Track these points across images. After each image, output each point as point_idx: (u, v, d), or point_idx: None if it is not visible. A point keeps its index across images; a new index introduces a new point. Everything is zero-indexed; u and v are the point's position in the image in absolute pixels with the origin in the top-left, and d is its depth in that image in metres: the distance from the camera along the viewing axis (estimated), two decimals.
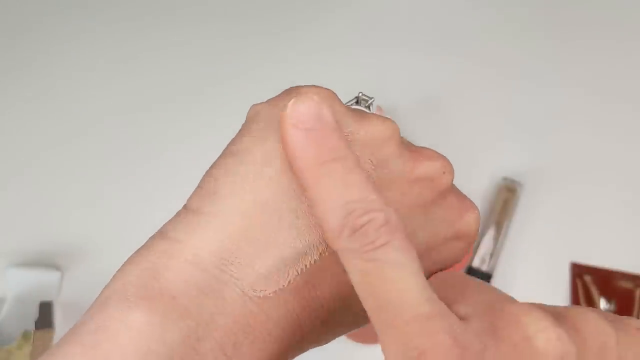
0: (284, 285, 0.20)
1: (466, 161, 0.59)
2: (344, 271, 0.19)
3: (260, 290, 0.19)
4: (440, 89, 0.62)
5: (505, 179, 0.58)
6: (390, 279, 0.17)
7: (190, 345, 0.18)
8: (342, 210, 0.17)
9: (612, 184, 0.59)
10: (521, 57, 0.63)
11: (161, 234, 0.20)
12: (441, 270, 0.23)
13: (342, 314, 0.21)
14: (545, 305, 0.18)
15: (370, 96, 0.25)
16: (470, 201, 0.24)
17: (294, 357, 0.21)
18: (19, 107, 0.60)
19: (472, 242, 0.23)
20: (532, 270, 0.56)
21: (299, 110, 0.19)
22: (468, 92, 0.62)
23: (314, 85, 0.22)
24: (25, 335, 0.47)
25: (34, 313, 0.50)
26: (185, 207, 0.21)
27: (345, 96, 0.67)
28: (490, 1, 0.65)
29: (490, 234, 0.56)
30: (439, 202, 0.22)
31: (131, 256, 0.20)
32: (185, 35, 0.63)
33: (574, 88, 0.62)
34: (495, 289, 0.18)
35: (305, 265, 0.20)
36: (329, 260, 0.20)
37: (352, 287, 0.18)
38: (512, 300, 0.18)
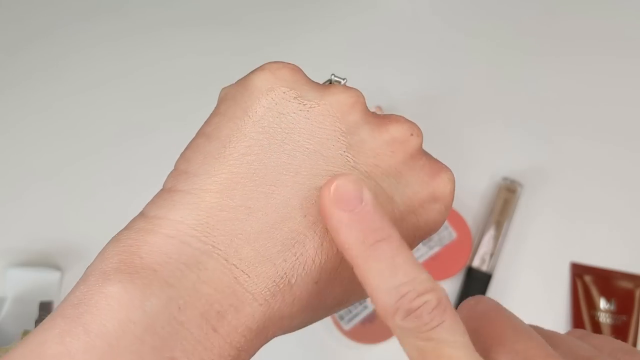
0: (265, 250, 0.20)
1: (466, 161, 0.59)
2: (327, 229, 0.20)
3: (245, 259, 0.20)
4: (440, 89, 0.62)
5: (505, 179, 0.58)
6: (447, 357, 0.17)
7: (171, 314, 0.18)
8: (395, 293, 0.18)
9: (613, 184, 0.59)
10: (522, 57, 0.63)
11: (140, 214, 0.21)
12: (424, 235, 0.24)
13: (334, 275, 0.21)
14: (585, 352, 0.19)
15: (343, 77, 0.26)
16: (443, 164, 0.24)
17: (286, 325, 0.21)
18: (18, 107, 0.60)
19: (450, 204, 0.24)
20: (532, 270, 0.56)
21: (342, 192, 0.19)
22: (468, 92, 0.62)
23: (278, 61, 0.23)
24: (25, 335, 0.47)
25: (34, 313, 0.50)
26: (162, 189, 0.22)
27: None
28: (490, 2, 0.65)
29: (490, 234, 0.56)
30: (410, 164, 0.23)
31: (113, 237, 0.20)
32: (184, 41, 0.63)
33: (575, 88, 0.62)
34: (533, 334, 0.19)
35: (290, 226, 0.20)
36: (314, 219, 0.21)
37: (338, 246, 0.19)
38: (547, 351, 0.18)
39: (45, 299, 0.52)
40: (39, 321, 0.49)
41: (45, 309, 0.52)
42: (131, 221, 0.21)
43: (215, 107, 0.23)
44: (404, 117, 0.23)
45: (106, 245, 0.20)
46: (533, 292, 0.56)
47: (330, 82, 0.26)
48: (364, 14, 0.64)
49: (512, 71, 0.62)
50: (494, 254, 0.55)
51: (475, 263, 0.55)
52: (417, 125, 0.23)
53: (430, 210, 0.23)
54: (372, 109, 0.57)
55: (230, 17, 0.63)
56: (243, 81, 0.23)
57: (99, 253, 0.20)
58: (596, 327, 0.54)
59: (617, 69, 0.62)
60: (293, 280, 0.20)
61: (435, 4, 0.65)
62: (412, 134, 0.23)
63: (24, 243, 0.56)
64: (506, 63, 0.62)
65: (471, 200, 0.58)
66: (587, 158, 0.59)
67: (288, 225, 0.20)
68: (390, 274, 0.18)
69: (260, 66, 0.23)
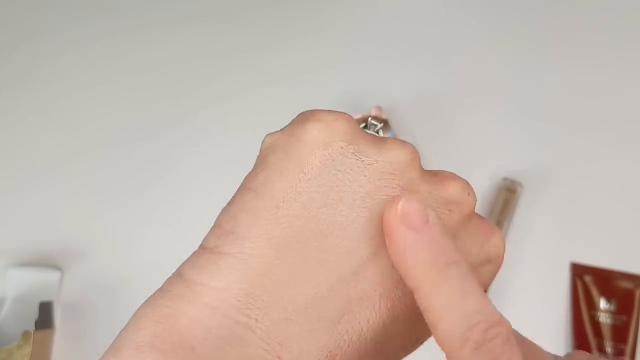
0: (311, 328, 0.18)
1: (466, 161, 0.59)
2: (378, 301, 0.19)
3: (290, 337, 0.18)
4: (440, 89, 0.62)
5: (505, 179, 0.58)
6: None
7: None
8: (465, 321, 0.17)
9: (613, 184, 0.59)
10: (522, 57, 0.63)
11: (178, 275, 0.19)
12: None
13: (384, 345, 0.20)
14: None
15: (379, 121, 0.25)
16: (493, 224, 0.23)
17: None
18: (18, 107, 0.60)
19: (501, 265, 0.23)
20: (532, 270, 0.56)
21: (410, 211, 0.18)
22: (468, 92, 0.62)
23: (331, 110, 0.21)
24: (25, 335, 0.47)
25: (34, 313, 0.50)
26: (202, 246, 0.20)
27: (345, 94, 0.68)
28: (490, 2, 0.65)
29: None
30: (466, 225, 0.22)
31: (147, 299, 0.19)
32: (187, 42, 0.63)
33: (575, 88, 0.62)
34: None
35: (340, 300, 0.19)
36: (365, 291, 0.19)
37: (393, 314, 0.18)
38: None
39: (45, 299, 0.52)
40: (39, 321, 0.49)
41: (45, 309, 0.52)
42: (167, 282, 0.19)
43: (261, 158, 0.21)
44: (458, 176, 0.22)
45: (139, 309, 0.18)
46: (533, 292, 0.56)
47: (366, 125, 0.25)
48: (363, 13, 0.64)
49: (512, 71, 0.62)
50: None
51: None
52: (469, 183, 0.22)
53: (484, 271, 0.22)
54: (373, 109, 0.57)
55: (229, 15, 0.63)
56: (294, 131, 0.20)
57: (132, 318, 0.18)
58: (596, 327, 0.54)
59: (618, 69, 0.62)
60: (337, 358, 0.19)
61: (435, 4, 0.64)
62: (468, 194, 0.22)
63: (24, 243, 0.56)
64: (506, 63, 0.62)
65: None
66: (587, 158, 0.59)
67: (337, 298, 0.19)
68: (460, 300, 0.17)
69: (312, 114, 0.20)
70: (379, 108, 0.58)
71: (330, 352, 0.19)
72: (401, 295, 0.20)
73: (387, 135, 0.56)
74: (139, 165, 0.58)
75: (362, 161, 0.20)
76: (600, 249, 0.57)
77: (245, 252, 0.18)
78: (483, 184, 0.58)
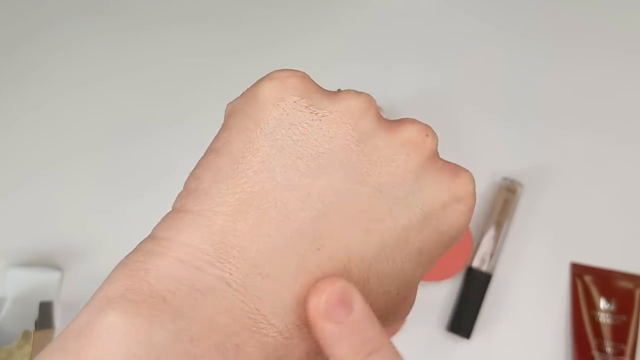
0: (288, 279, 0.19)
1: (466, 161, 0.59)
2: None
3: (265, 288, 0.19)
4: (440, 89, 0.62)
5: (505, 179, 0.58)
6: None
7: (183, 347, 0.17)
8: None
9: (613, 184, 0.59)
10: (522, 57, 0.63)
11: (149, 236, 0.20)
12: (448, 240, 0.23)
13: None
14: None
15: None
16: (460, 165, 0.23)
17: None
18: (18, 107, 0.60)
19: (473, 204, 0.23)
20: (532, 270, 0.56)
21: (333, 302, 0.18)
22: (468, 92, 0.62)
23: (285, 69, 0.22)
24: (25, 335, 0.47)
25: (34, 313, 0.50)
26: (172, 208, 0.21)
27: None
28: (491, 2, 0.65)
29: (490, 234, 0.56)
30: (427, 166, 0.22)
31: (122, 259, 0.19)
32: (185, 41, 0.63)
33: (575, 88, 0.62)
34: None
35: (308, 254, 0.19)
36: (330, 245, 0.20)
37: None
38: None
39: (45, 299, 0.52)
40: (39, 321, 0.49)
41: (45, 309, 0.52)
42: (139, 243, 0.20)
43: (224, 122, 0.22)
44: (416, 119, 0.22)
45: (114, 268, 0.19)
46: (533, 292, 0.56)
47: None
48: (363, 13, 0.64)
49: (512, 71, 0.62)
50: (494, 254, 0.55)
51: (475, 263, 0.55)
52: (430, 126, 0.22)
53: (453, 211, 0.22)
54: None
55: (228, 14, 0.63)
56: (251, 92, 0.22)
57: (107, 277, 0.19)
58: (596, 327, 0.54)
59: (618, 70, 0.62)
60: None
61: (435, 4, 0.64)
62: (427, 135, 0.22)
63: (24, 243, 0.56)
64: (506, 63, 0.62)
65: None
66: (587, 158, 0.59)
67: (306, 255, 0.19)
68: None
69: (268, 75, 0.22)
70: (379, 108, 0.58)
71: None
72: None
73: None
74: (139, 165, 0.58)
75: (315, 114, 0.21)
76: (600, 249, 0.57)
77: (208, 208, 0.19)
78: (483, 184, 0.58)
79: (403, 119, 0.22)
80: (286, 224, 0.19)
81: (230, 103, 0.22)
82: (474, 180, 0.23)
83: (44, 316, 0.51)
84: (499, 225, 0.56)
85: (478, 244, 0.56)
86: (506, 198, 0.57)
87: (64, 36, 0.62)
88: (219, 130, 0.22)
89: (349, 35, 0.63)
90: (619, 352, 0.54)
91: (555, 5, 0.65)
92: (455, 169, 0.23)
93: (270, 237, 0.19)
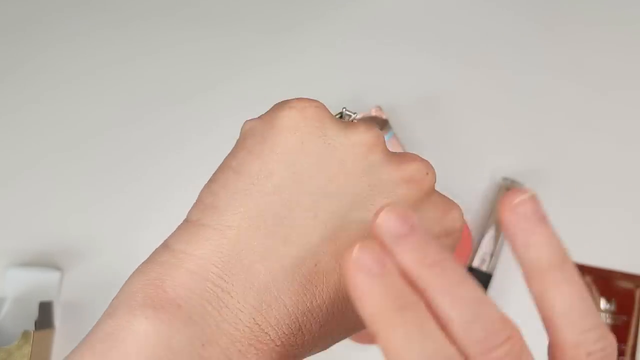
0: (281, 294, 0.21)
1: (466, 161, 0.59)
2: (340, 274, 0.21)
3: (262, 301, 0.20)
4: (440, 89, 0.62)
5: (505, 179, 0.58)
6: None
7: (195, 351, 0.19)
8: None
9: (612, 183, 0.59)
10: (521, 57, 0.63)
11: (164, 245, 0.22)
12: None
13: (341, 317, 0.22)
14: None
15: (353, 112, 0.27)
16: (453, 201, 0.25)
17: None
18: (18, 107, 0.60)
19: (459, 239, 0.25)
20: None
21: (365, 256, 0.18)
22: (468, 92, 0.62)
23: (303, 98, 0.23)
24: (25, 335, 0.47)
25: (34, 313, 0.50)
26: (186, 220, 0.22)
27: (345, 94, 0.67)
28: (490, 3, 0.65)
29: (490, 234, 0.56)
30: (425, 202, 0.24)
31: (137, 268, 0.21)
32: (184, 38, 0.63)
33: (575, 88, 0.62)
34: None
35: (304, 272, 0.21)
36: (326, 265, 0.21)
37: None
38: None
39: (45, 299, 0.52)
40: (39, 321, 0.49)
41: (45, 309, 0.52)
42: (155, 252, 0.21)
43: (240, 141, 0.23)
44: (419, 156, 0.24)
45: (131, 276, 0.21)
46: None
47: (341, 115, 0.27)
48: (364, 13, 0.64)
49: (512, 71, 0.62)
50: (494, 254, 0.55)
51: (475, 263, 0.55)
52: (430, 164, 0.24)
53: (443, 244, 0.24)
54: (373, 109, 0.57)
55: (228, 11, 0.63)
56: (269, 118, 0.23)
57: (125, 284, 0.21)
58: None
59: (618, 70, 0.62)
60: (304, 327, 0.21)
61: (435, 4, 0.64)
62: (427, 173, 0.24)
63: (24, 243, 0.56)
64: (507, 63, 0.62)
65: (471, 200, 0.58)
66: (587, 158, 0.59)
67: (302, 272, 0.21)
68: (418, 342, 0.17)
69: (287, 102, 0.23)
70: (379, 108, 0.58)
71: (297, 318, 0.21)
72: None
73: (387, 134, 0.56)
74: (139, 165, 0.58)
75: (328, 144, 0.22)
76: (600, 249, 0.57)
77: (223, 223, 0.21)
78: (483, 184, 0.58)
79: (407, 154, 0.24)
80: (293, 244, 0.21)
81: (248, 122, 0.24)
82: (462, 216, 0.25)
83: (44, 316, 0.51)
84: (499, 225, 0.56)
85: (478, 244, 0.56)
86: None
87: (54, 31, 0.62)
88: (235, 148, 0.23)
89: (349, 36, 0.63)
90: (619, 352, 0.54)
91: (556, 6, 0.65)
92: (449, 206, 0.25)
93: (277, 255, 0.21)
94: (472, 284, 0.18)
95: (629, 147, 0.60)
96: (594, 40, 0.63)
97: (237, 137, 0.24)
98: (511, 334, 0.18)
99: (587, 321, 0.19)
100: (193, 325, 0.19)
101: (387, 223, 0.18)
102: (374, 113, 0.57)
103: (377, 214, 0.19)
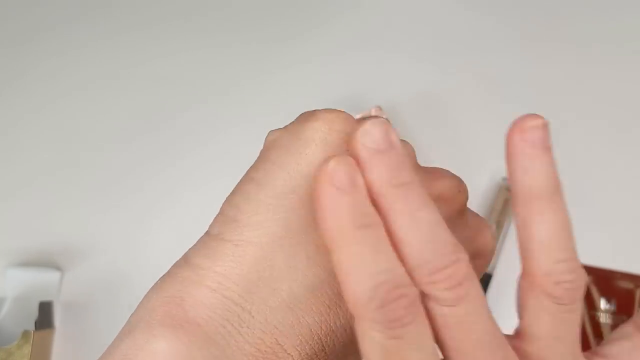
0: (304, 315, 0.20)
1: (466, 161, 0.59)
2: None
3: (285, 322, 0.19)
4: (440, 89, 0.62)
5: (505, 179, 0.58)
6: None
7: None
8: (372, 279, 0.17)
9: (613, 183, 0.59)
10: (522, 57, 0.63)
11: (185, 259, 0.21)
12: None
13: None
14: None
15: (384, 117, 0.25)
16: (485, 219, 0.24)
17: None
18: (19, 107, 0.60)
19: (490, 260, 0.24)
20: None
21: (340, 170, 0.18)
22: (468, 92, 0.62)
23: (330, 109, 0.22)
24: (25, 335, 0.47)
25: (34, 313, 0.50)
26: (207, 233, 0.21)
27: (345, 94, 0.67)
28: (490, 3, 0.65)
29: None
30: (457, 221, 0.23)
31: (156, 283, 0.20)
32: (188, 47, 0.63)
33: (574, 89, 0.62)
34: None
35: (327, 292, 0.20)
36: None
37: None
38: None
39: (45, 299, 0.52)
40: (39, 321, 0.49)
41: (45, 308, 0.52)
42: (175, 267, 0.21)
43: (264, 151, 0.22)
44: (450, 172, 0.23)
45: (148, 292, 0.20)
46: None
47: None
48: (364, 13, 0.64)
49: (512, 71, 0.62)
50: (494, 254, 0.55)
51: None
52: (462, 181, 0.23)
53: (473, 265, 0.23)
54: (373, 109, 0.57)
55: (229, 13, 0.63)
56: (295, 129, 0.22)
57: (143, 300, 0.20)
58: (596, 328, 0.54)
59: (618, 70, 0.62)
60: (327, 347, 0.20)
61: (435, 4, 0.64)
62: (459, 191, 0.23)
63: (24, 243, 0.56)
64: (507, 62, 0.62)
65: (471, 200, 0.58)
66: (586, 158, 0.59)
67: (325, 292, 0.20)
68: (370, 260, 0.17)
69: (313, 114, 0.22)
70: (379, 108, 0.58)
71: (320, 339, 0.20)
72: None
73: (381, 112, 0.56)
74: (139, 165, 0.58)
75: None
76: (600, 249, 0.57)
77: (245, 239, 0.20)
78: (483, 184, 0.58)
79: (437, 169, 0.23)
80: (316, 263, 0.20)
81: (272, 132, 0.23)
82: (494, 237, 0.24)
83: (44, 316, 0.51)
84: (499, 225, 0.56)
85: None
86: (506, 198, 0.57)
87: (60, 38, 0.62)
88: (259, 159, 0.22)
89: (349, 36, 0.63)
90: None
91: (556, 6, 0.65)
92: (481, 226, 0.24)
93: (300, 274, 0.20)
94: (432, 209, 0.18)
95: (629, 147, 0.60)
96: (595, 41, 0.63)
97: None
98: (458, 257, 0.18)
99: (562, 253, 0.19)
100: (213, 345, 0.18)
101: (371, 133, 0.18)
102: (374, 113, 0.57)
103: (364, 121, 0.18)
